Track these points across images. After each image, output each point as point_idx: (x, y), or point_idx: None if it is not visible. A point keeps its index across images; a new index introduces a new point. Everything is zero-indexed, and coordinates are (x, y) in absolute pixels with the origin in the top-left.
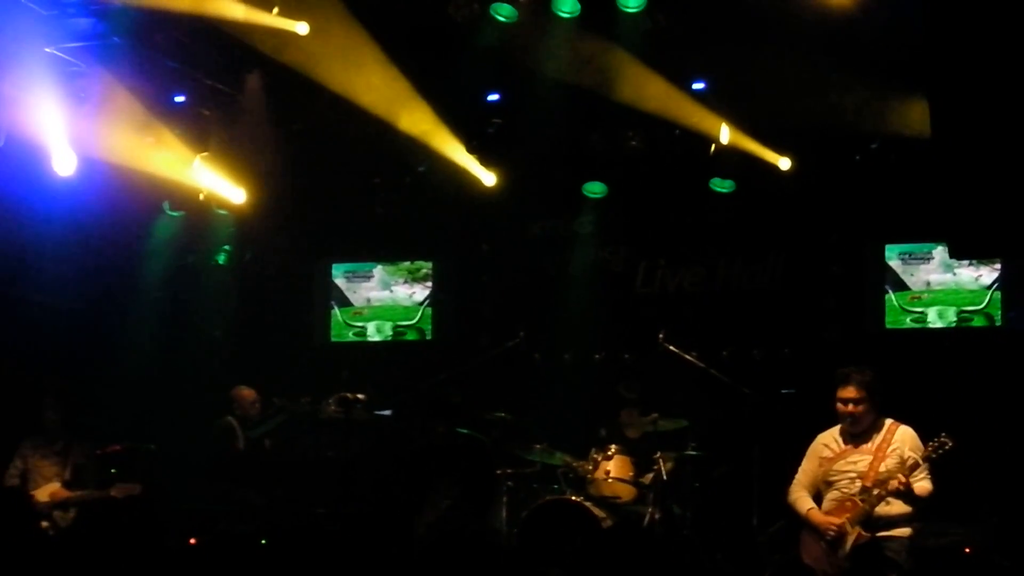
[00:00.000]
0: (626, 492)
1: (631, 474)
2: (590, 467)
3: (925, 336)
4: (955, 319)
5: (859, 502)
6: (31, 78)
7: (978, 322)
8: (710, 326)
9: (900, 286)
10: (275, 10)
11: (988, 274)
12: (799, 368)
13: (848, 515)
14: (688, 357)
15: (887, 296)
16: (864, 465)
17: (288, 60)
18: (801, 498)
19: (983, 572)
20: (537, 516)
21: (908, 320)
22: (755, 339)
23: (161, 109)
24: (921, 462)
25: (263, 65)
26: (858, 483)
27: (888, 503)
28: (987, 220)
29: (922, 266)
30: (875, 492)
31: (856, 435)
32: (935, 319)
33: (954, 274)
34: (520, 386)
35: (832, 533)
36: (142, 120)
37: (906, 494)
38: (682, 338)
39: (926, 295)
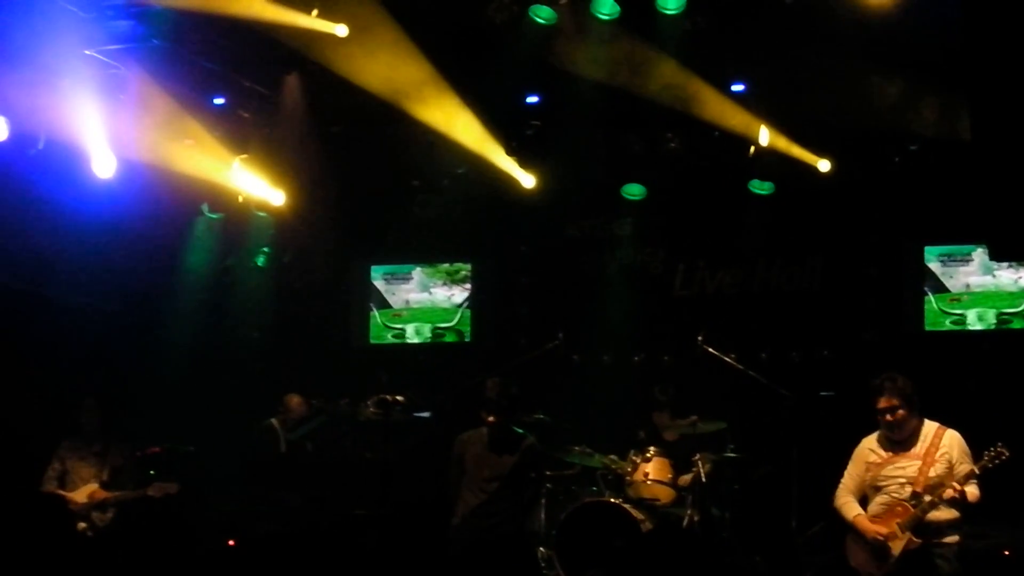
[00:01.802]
0: (665, 494)
1: (670, 476)
2: (629, 469)
3: (964, 338)
4: (995, 321)
5: (910, 507)
6: (70, 80)
7: (1017, 324)
8: (749, 328)
9: (939, 288)
10: (314, 12)
11: None
12: (838, 370)
13: (899, 520)
14: (727, 359)
15: (926, 298)
16: (914, 470)
17: (327, 62)
18: (848, 503)
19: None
20: (576, 518)
21: (947, 322)
22: (794, 341)
23: (200, 111)
24: (978, 471)
25: (302, 67)
26: (908, 488)
27: (938, 509)
28: None
29: (961, 268)
30: (927, 498)
31: (899, 442)
32: (974, 321)
33: (994, 276)
34: (559, 388)
35: (879, 541)
36: (181, 122)
37: (960, 502)
38: (721, 340)
39: (965, 297)
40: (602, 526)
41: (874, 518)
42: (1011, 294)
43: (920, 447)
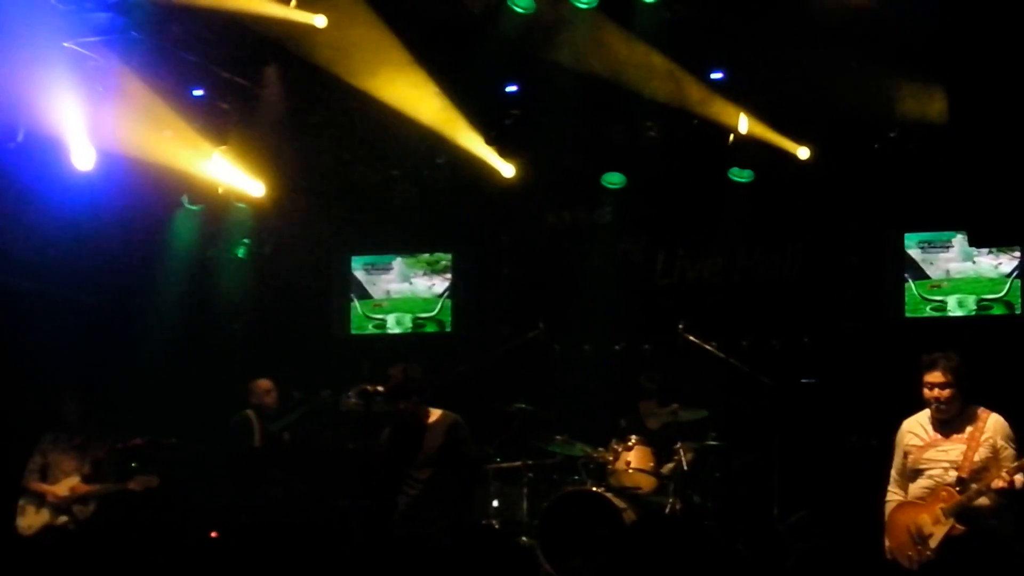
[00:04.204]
0: (647, 483)
1: (652, 464)
2: (611, 458)
3: (945, 325)
4: (975, 307)
5: (956, 493)
6: (49, 73)
7: (998, 310)
8: (729, 316)
9: (920, 275)
10: (293, 3)
11: (1008, 262)
12: (819, 357)
13: (943, 505)
14: (708, 347)
15: (907, 285)
16: (958, 454)
17: (306, 53)
18: (889, 503)
19: (1005, 560)
20: (558, 507)
21: (928, 309)
22: (775, 329)
23: (179, 103)
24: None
25: (281, 58)
26: (952, 473)
27: (984, 496)
28: (1006, 208)
29: (941, 254)
30: (973, 486)
31: (945, 422)
32: (955, 308)
33: (974, 262)
34: (540, 377)
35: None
36: (160, 114)
37: (1009, 491)
38: (702, 328)
39: (946, 283)
40: (584, 515)
41: (916, 501)
42: (991, 280)
43: (964, 430)
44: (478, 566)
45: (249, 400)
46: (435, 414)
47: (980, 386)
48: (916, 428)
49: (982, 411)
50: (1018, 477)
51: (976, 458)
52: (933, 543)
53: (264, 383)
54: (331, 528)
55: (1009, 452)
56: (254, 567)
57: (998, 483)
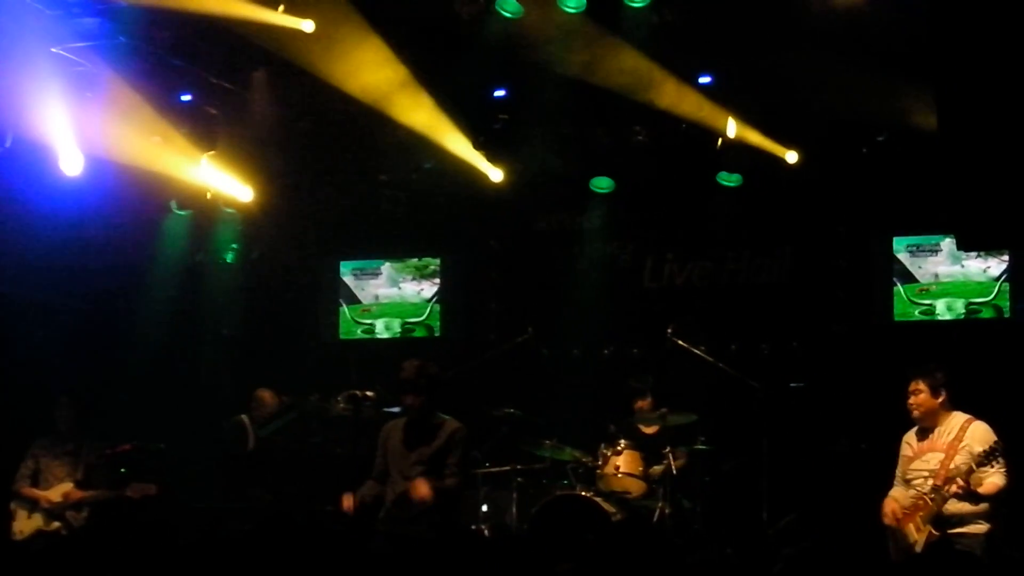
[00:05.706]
0: (636, 487)
1: (640, 469)
2: (599, 462)
3: (934, 328)
4: (964, 311)
5: (929, 501)
6: (37, 78)
7: (987, 314)
8: (718, 320)
9: (908, 278)
10: (281, 8)
11: (996, 266)
12: (808, 361)
13: (921, 514)
14: (697, 351)
15: (895, 288)
16: (936, 463)
17: (294, 57)
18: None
19: (994, 564)
20: (547, 511)
21: (916, 312)
22: (763, 333)
23: (167, 108)
24: (974, 467)
25: (269, 63)
26: (930, 482)
27: (954, 501)
28: (995, 212)
29: (930, 258)
30: (944, 489)
31: (925, 430)
32: (943, 311)
33: (962, 266)
34: (529, 382)
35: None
36: (149, 119)
37: (968, 496)
38: (690, 332)
39: (934, 287)
40: (573, 519)
41: (906, 510)
42: (980, 284)
43: (944, 439)
44: (459, 567)
45: (249, 407)
46: (442, 418)
47: (969, 390)
48: (910, 439)
49: (966, 420)
50: (990, 481)
51: (952, 466)
52: (918, 549)
53: (271, 398)
54: (318, 530)
55: (982, 458)
56: (247, 569)
57: (952, 488)
